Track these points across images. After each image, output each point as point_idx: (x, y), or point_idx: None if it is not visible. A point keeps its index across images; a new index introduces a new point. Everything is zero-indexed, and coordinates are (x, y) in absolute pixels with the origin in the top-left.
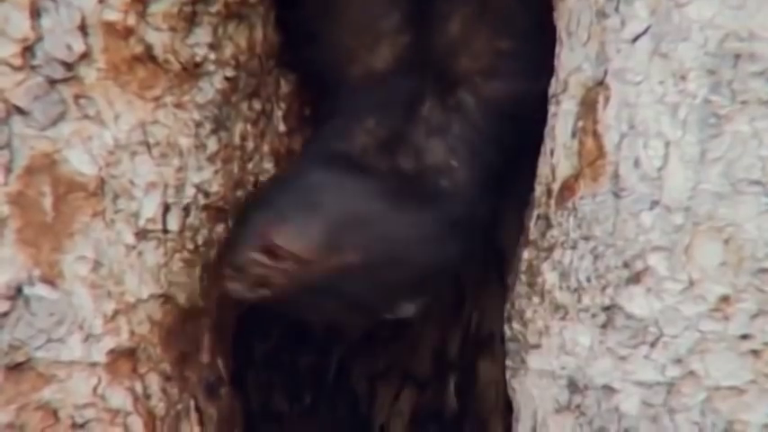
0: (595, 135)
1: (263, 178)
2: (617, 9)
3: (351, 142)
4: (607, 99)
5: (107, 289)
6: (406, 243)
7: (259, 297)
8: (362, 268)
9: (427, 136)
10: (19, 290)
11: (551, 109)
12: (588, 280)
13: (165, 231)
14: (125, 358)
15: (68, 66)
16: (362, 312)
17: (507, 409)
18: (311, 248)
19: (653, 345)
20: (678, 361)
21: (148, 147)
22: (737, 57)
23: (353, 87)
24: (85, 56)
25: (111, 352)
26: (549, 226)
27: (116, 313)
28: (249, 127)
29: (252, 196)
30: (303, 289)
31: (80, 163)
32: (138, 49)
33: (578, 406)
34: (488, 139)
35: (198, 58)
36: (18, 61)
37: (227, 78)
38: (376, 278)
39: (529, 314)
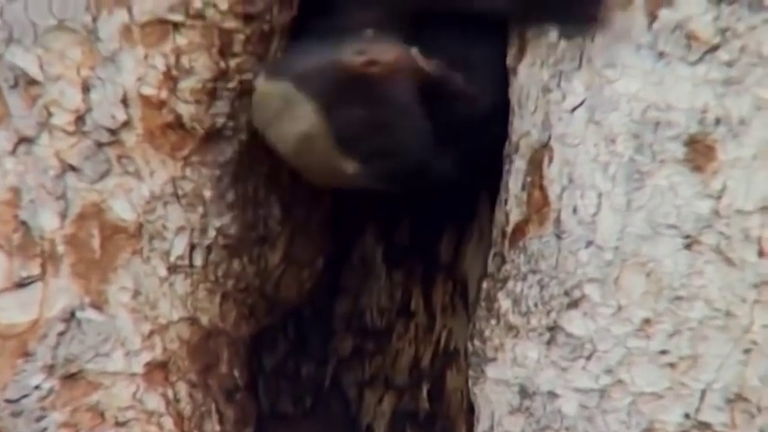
0: (541, 188)
1: (271, 222)
2: (559, 85)
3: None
4: (551, 158)
5: (144, 313)
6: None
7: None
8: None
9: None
10: (72, 314)
11: (505, 167)
12: (536, 305)
13: (192, 266)
14: (159, 369)
15: (113, 131)
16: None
17: (470, 410)
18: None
19: (588, 358)
20: (609, 371)
21: (178, 197)
22: (657, 124)
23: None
24: (127, 124)
25: (148, 364)
26: (503, 262)
27: (151, 333)
28: (261, 181)
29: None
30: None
31: (122, 210)
32: (170, 118)
33: (528, 408)
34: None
35: (218, 125)
36: (72, 128)
37: (242, 142)
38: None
39: (487, 333)
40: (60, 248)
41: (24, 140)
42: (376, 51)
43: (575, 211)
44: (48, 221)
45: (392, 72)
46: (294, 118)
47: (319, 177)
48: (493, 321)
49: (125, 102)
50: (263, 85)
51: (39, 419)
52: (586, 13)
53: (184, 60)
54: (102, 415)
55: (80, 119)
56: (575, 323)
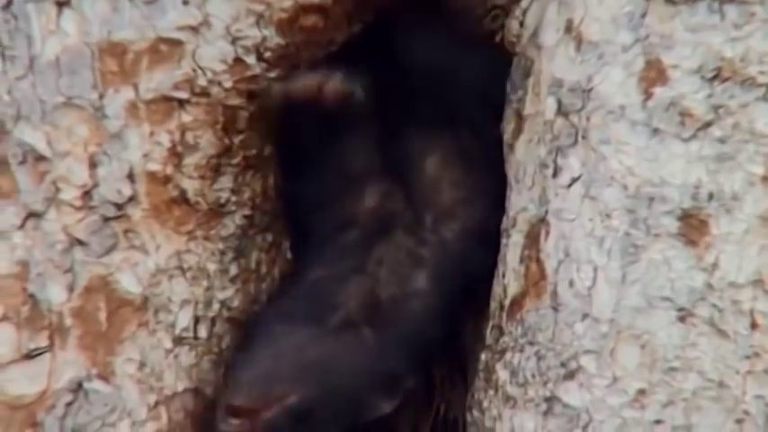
0: (538, 261)
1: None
2: (555, 161)
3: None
4: (547, 233)
5: (150, 384)
6: (345, 377)
7: None
8: (310, 404)
9: (409, 266)
10: (80, 385)
11: (503, 240)
12: (533, 376)
13: (196, 338)
14: None
15: (119, 206)
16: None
17: None
18: (253, 399)
19: (584, 428)
20: None
21: (183, 271)
22: (651, 199)
23: (334, 235)
24: (133, 198)
25: None
26: (501, 334)
27: (157, 404)
28: (263, 255)
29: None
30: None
31: (128, 284)
32: (175, 193)
33: None
34: (460, 269)
35: (222, 200)
36: (79, 203)
37: (245, 216)
38: (331, 406)
39: (485, 404)
40: (68, 321)
41: (33, 215)
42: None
43: (571, 284)
44: (55, 294)
45: None
46: None
47: None
48: (491, 392)
49: (131, 177)
50: None
51: None
52: None
53: (189, 137)
54: None
55: (87, 194)
56: (571, 394)
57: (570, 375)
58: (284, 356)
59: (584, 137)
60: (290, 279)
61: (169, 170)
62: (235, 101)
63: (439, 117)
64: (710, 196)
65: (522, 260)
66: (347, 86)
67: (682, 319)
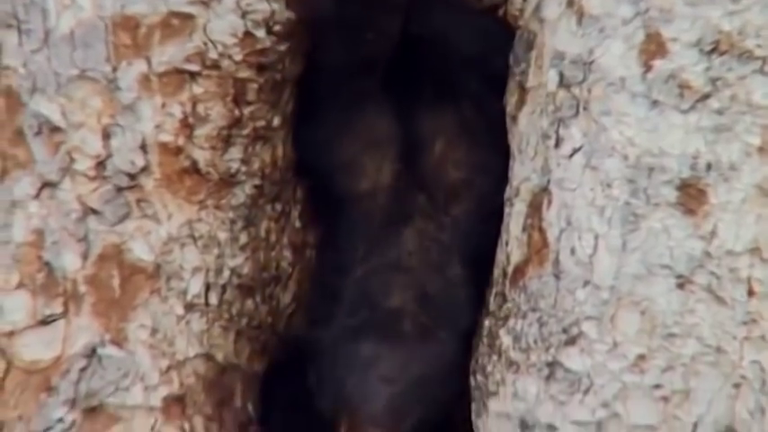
0: (541, 230)
1: (283, 264)
2: (557, 132)
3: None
4: (550, 202)
5: (162, 350)
6: (444, 385)
7: None
8: (427, 419)
9: (438, 253)
10: (94, 350)
11: (506, 210)
12: (535, 342)
13: (207, 305)
14: (176, 403)
15: (132, 176)
16: None
17: None
18: (387, 424)
19: (585, 392)
20: (605, 405)
21: (194, 239)
22: (651, 169)
23: (358, 209)
24: (145, 169)
25: (165, 398)
26: (504, 300)
27: (169, 368)
28: (272, 224)
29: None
30: None
31: (141, 252)
32: (186, 164)
33: None
34: (478, 247)
35: (232, 171)
36: (93, 173)
37: (255, 186)
38: (438, 415)
39: (489, 368)
40: (82, 288)
41: (48, 185)
42: None
43: (572, 252)
44: (70, 262)
45: None
46: None
47: None
48: (494, 357)
49: (144, 148)
50: None
51: None
52: None
53: (200, 108)
54: None
55: (101, 164)
56: (572, 359)
57: (572, 341)
58: (396, 380)
59: (585, 108)
60: (327, 279)
61: (181, 141)
62: (245, 73)
63: (442, 91)
64: (708, 166)
65: (524, 229)
66: None
67: (680, 286)
